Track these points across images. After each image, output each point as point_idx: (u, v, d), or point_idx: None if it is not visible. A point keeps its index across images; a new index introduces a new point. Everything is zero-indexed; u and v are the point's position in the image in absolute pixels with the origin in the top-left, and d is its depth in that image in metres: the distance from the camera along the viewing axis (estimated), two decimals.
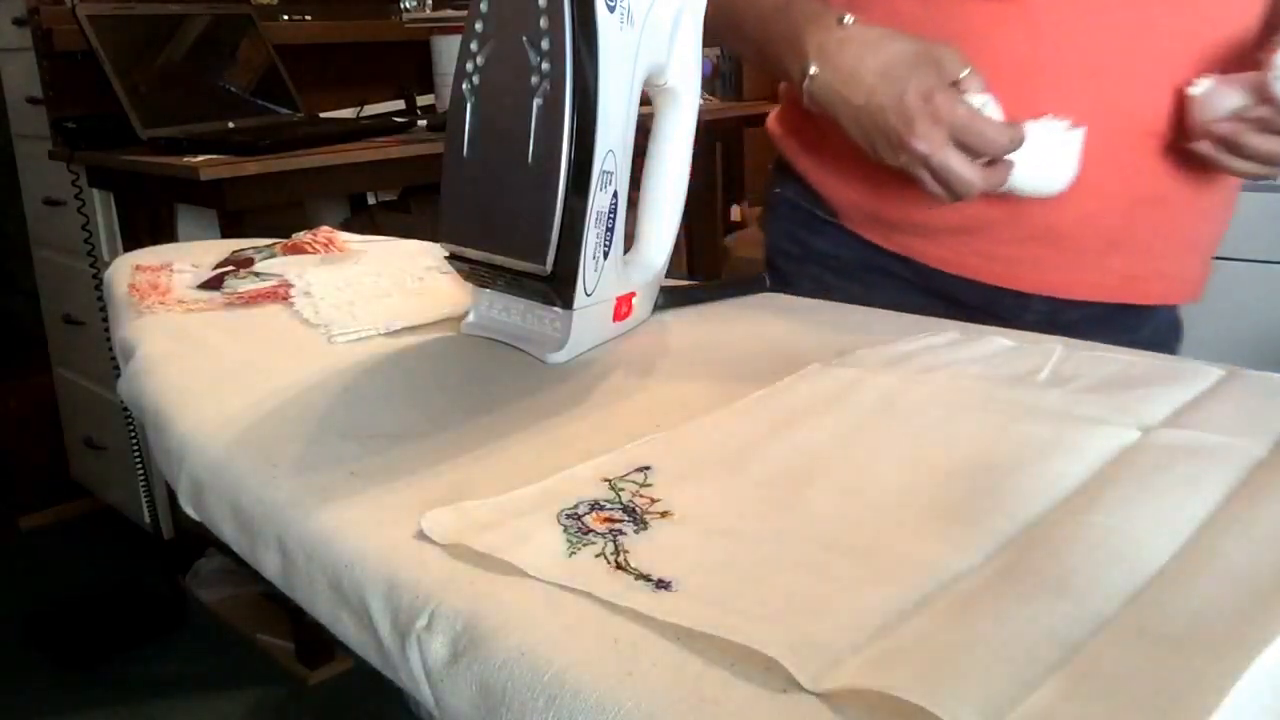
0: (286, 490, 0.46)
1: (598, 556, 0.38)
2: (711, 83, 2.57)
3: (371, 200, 2.24)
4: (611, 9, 0.56)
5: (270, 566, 0.45)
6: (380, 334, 0.67)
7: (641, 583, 0.36)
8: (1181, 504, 0.40)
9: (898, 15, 0.73)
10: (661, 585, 0.36)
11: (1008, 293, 0.80)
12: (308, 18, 2.20)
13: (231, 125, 1.87)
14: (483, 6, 0.57)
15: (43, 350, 2.36)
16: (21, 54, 2.02)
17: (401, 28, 2.26)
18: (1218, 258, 0.85)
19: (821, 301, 0.75)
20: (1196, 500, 0.40)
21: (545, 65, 0.55)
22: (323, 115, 2.10)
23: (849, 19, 0.71)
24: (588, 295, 0.61)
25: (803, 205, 0.88)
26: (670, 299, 0.73)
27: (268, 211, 1.65)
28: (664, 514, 0.41)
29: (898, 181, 0.73)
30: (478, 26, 0.57)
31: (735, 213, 2.80)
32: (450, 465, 0.47)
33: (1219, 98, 0.69)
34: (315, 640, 1.84)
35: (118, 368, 0.70)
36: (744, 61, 2.42)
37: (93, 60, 1.77)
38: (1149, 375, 0.55)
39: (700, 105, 0.70)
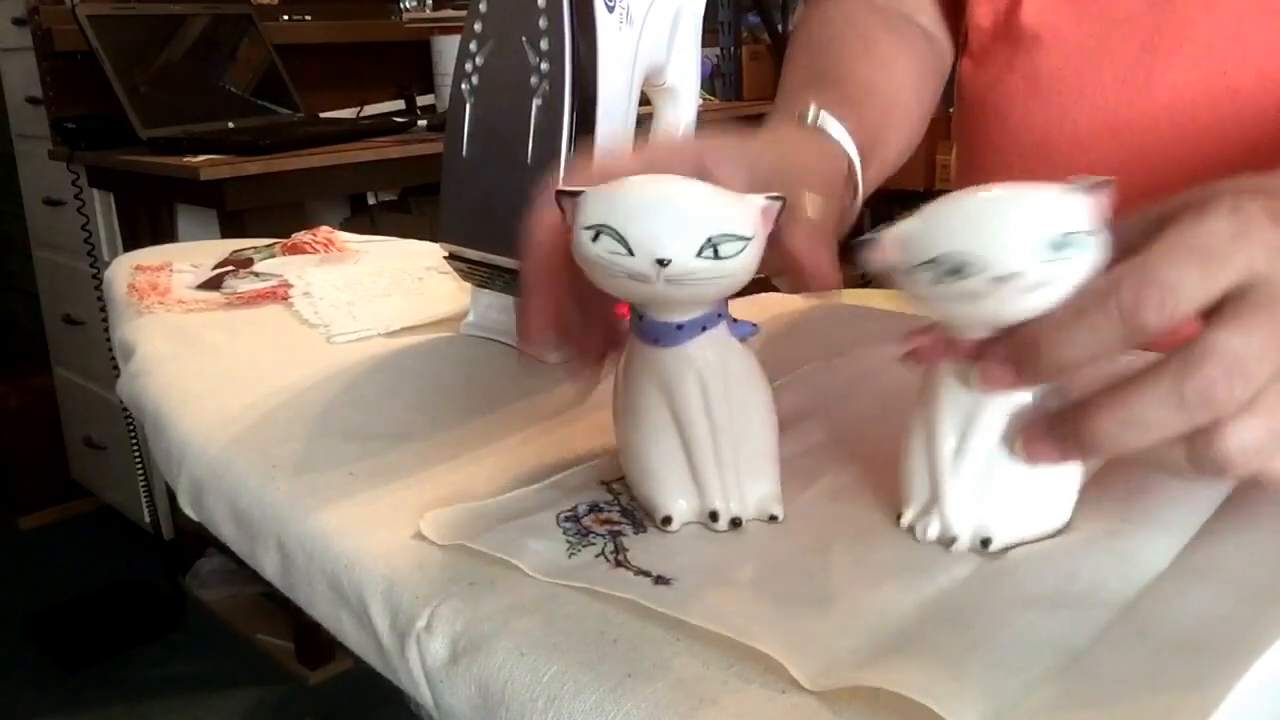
0: (285, 490, 0.46)
1: (598, 556, 0.38)
2: (711, 83, 2.57)
3: (371, 200, 2.24)
4: (611, 9, 0.56)
5: (269, 567, 0.45)
6: (380, 334, 0.67)
7: (641, 578, 0.36)
8: (1180, 507, 0.40)
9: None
10: (661, 581, 0.36)
11: None
12: (308, 18, 2.20)
13: (231, 125, 1.87)
14: (482, 6, 0.57)
15: (43, 350, 2.36)
16: (21, 54, 2.02)
17: (401, 28, 2.26)
18: None
19: (820, 301, 0.75)
20: (1195, 503, 0.40)
21: (545, 65, 0.55)
22: (323, 115, 2.10)
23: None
24: None
25: None
26: None
27: (268, 211, 1.65)
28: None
29: None
30: (477, 27, 0.57)
31: None
32: (450, 465, 0.47)
33: None
34: (315, 640, 1.84)
35: (117, 368, 0.70)
36: None
37: (93, 60, 1.77)
38: None
39: (700, 105, 0.70)
